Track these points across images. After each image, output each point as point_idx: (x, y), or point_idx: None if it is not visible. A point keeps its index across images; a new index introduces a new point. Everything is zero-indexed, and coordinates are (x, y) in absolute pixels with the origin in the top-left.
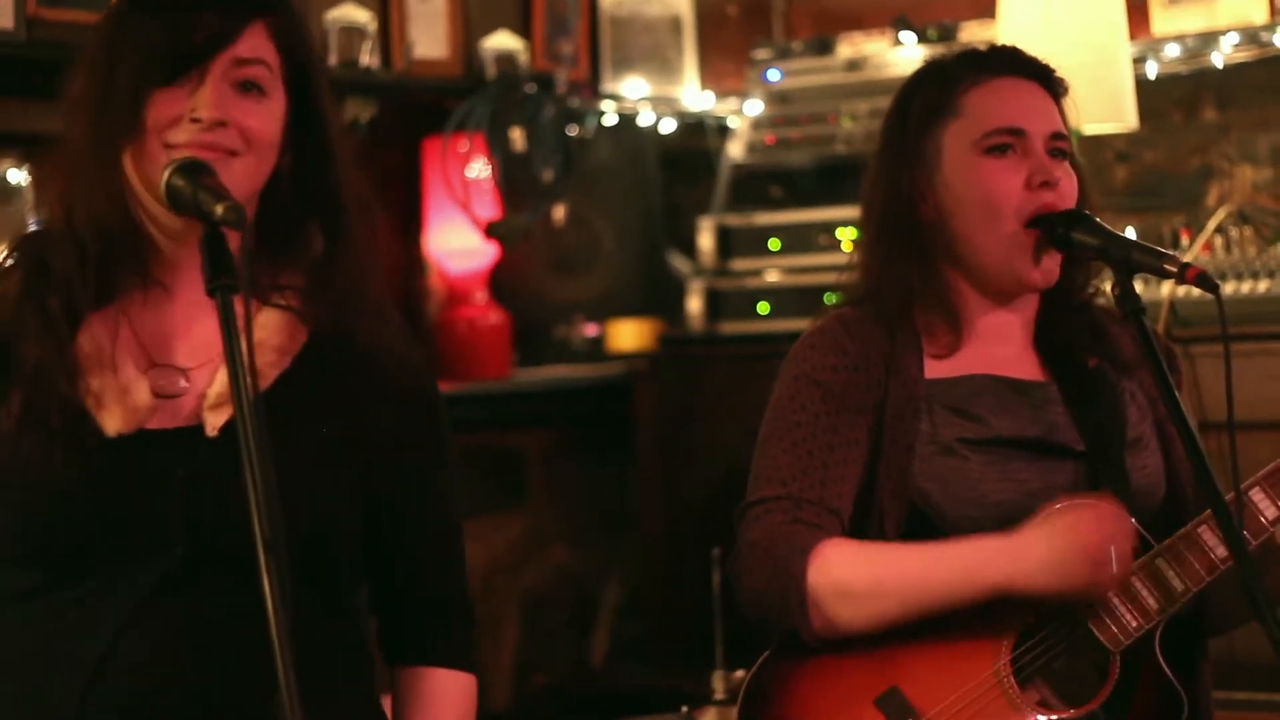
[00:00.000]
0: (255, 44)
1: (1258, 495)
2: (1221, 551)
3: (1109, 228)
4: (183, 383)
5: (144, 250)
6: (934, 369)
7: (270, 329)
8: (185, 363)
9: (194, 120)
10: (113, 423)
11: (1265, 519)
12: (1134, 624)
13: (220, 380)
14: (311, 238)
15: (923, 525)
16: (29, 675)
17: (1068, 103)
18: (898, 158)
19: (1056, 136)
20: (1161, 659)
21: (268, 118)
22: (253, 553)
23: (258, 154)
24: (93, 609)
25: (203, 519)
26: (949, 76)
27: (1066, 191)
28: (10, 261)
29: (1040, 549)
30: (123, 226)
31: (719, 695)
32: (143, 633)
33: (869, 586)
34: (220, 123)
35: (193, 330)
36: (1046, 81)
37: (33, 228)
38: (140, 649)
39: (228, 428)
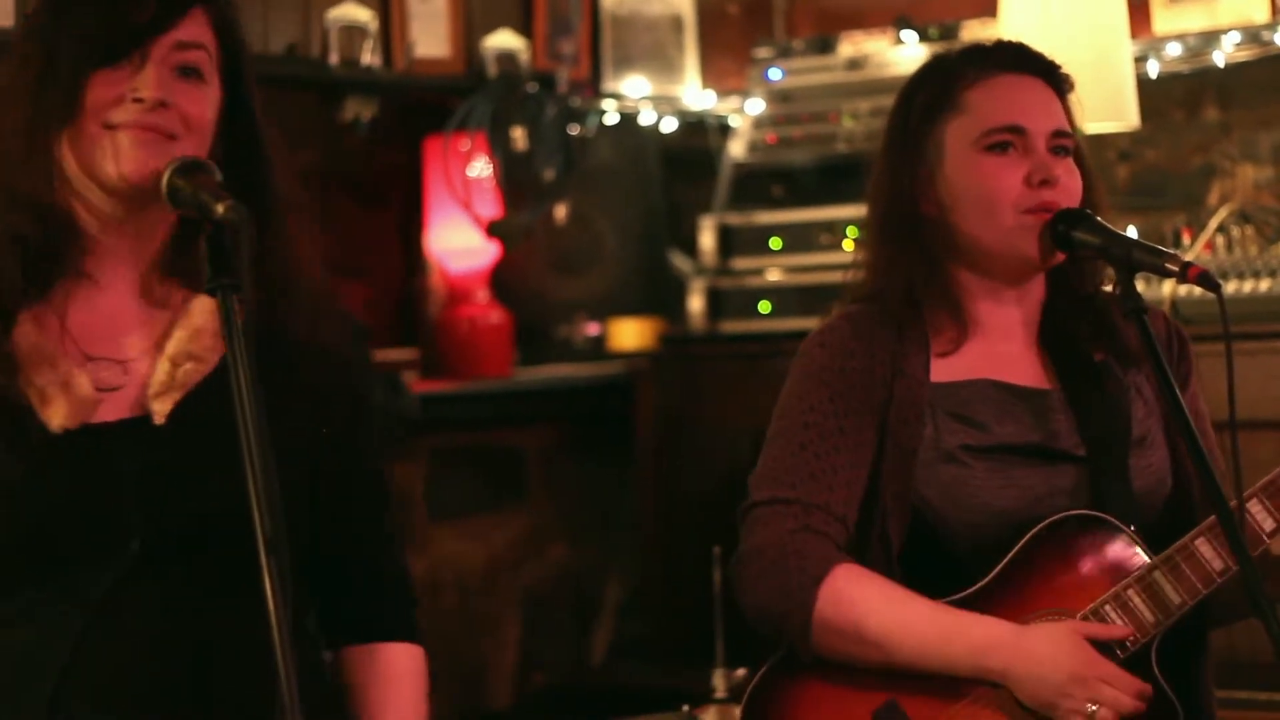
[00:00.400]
0: (196, 29)
1: (1255, 507)
2: (1218, 565)
3: (1110, 226)
4: (122, 375)
5: (77, 240)
6: (939, 370)
7: (208, 315)
8: (122, 355)
9: (136, 100)
10: (57, 418)
11: (1263, 531)
12: (1131, 637)
13: (162, 369)
14: None
15: (925, 532)
16: None
17: (1074, 99)
18: (900, 154)
19: (1059, 134)
20: (1157, 671)
21: (206, 103)
22: (211, 539)
23: (196, 139)
24: (54, 611)
25: (158, 508)
26: (951, 73)
27: (1069, 189)
28: None
29: (1044, 661)
30: (56, 213)
31: (720, 693)
32: (107, 630)
33: (876, 636)
34: (162, 103)
35: (126, 322)
36: (1051, 78)
37: None
38: (106, 647)
39: (175, 415)
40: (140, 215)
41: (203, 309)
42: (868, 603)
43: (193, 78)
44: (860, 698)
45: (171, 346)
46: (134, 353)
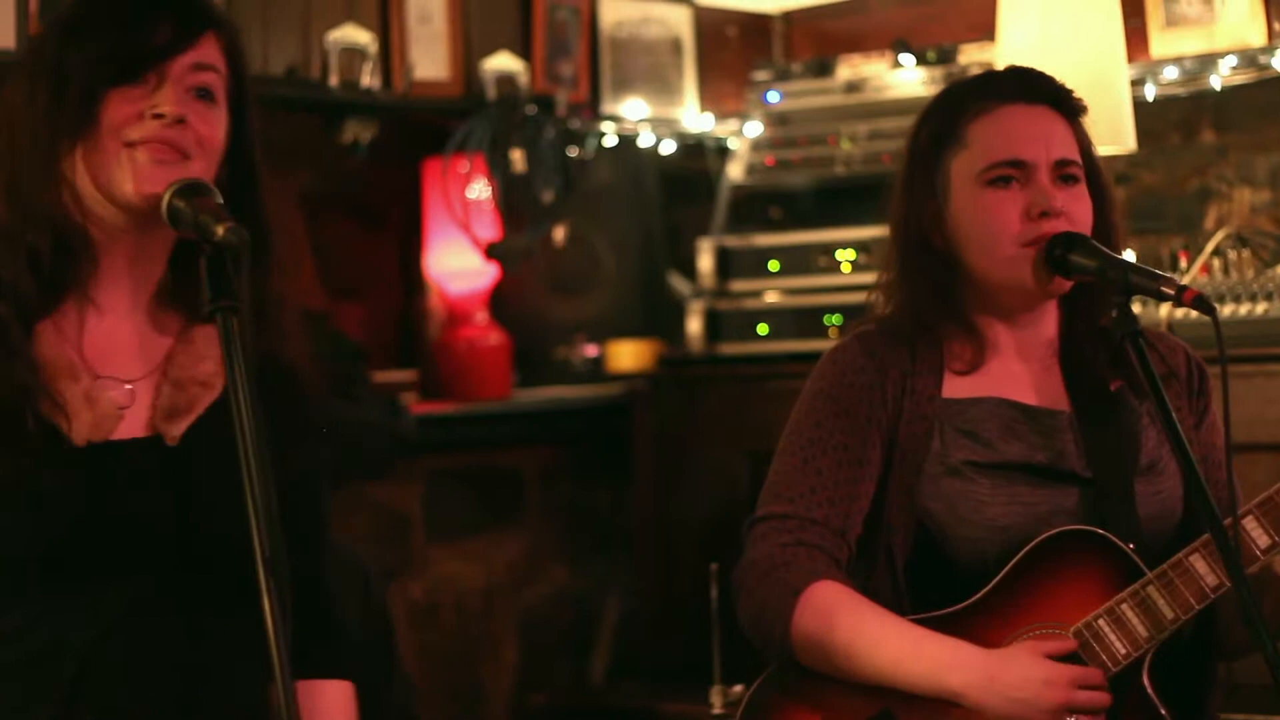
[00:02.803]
0: (210, 52)
1: (1250, 524)
2: (1212, 580)
3: (1107, 250)
4: (129, 396)
5: (88, 255)
6: (953, 387)
7: (210, 341)
8: (127, 375)
9: (156, 116)
10: (81, 431)
11: (1258, 548)
12: (1123, 651)
13: (167, 393)
14: None
15: (929, 545)
16: (5, 691)
17: (1087, 122)
18: (911, 186)
19: (1063, 163)
20: (1149, 685)
21: (218, 125)
22: (221, 560)
23: (207, 160)
24: (67, 621)
25: (173, 527)
26: (956, 106)
27: (1073, 218)
28: None
29: (1013, 681)
30: (69, 229)
31: (717, 711)
32: (117, 644)
33: (842, 650)
34: (181, 120)
35: (129, 344)
36: (1060, 104)
37: None
38: (116, 660)
39: (187, 437)
40: (145, 235)
41: (204, 335)
42: (837, 617)
43: (206, 99)
44: (855, 708)
45: (174, 371)
46: (137, 374)
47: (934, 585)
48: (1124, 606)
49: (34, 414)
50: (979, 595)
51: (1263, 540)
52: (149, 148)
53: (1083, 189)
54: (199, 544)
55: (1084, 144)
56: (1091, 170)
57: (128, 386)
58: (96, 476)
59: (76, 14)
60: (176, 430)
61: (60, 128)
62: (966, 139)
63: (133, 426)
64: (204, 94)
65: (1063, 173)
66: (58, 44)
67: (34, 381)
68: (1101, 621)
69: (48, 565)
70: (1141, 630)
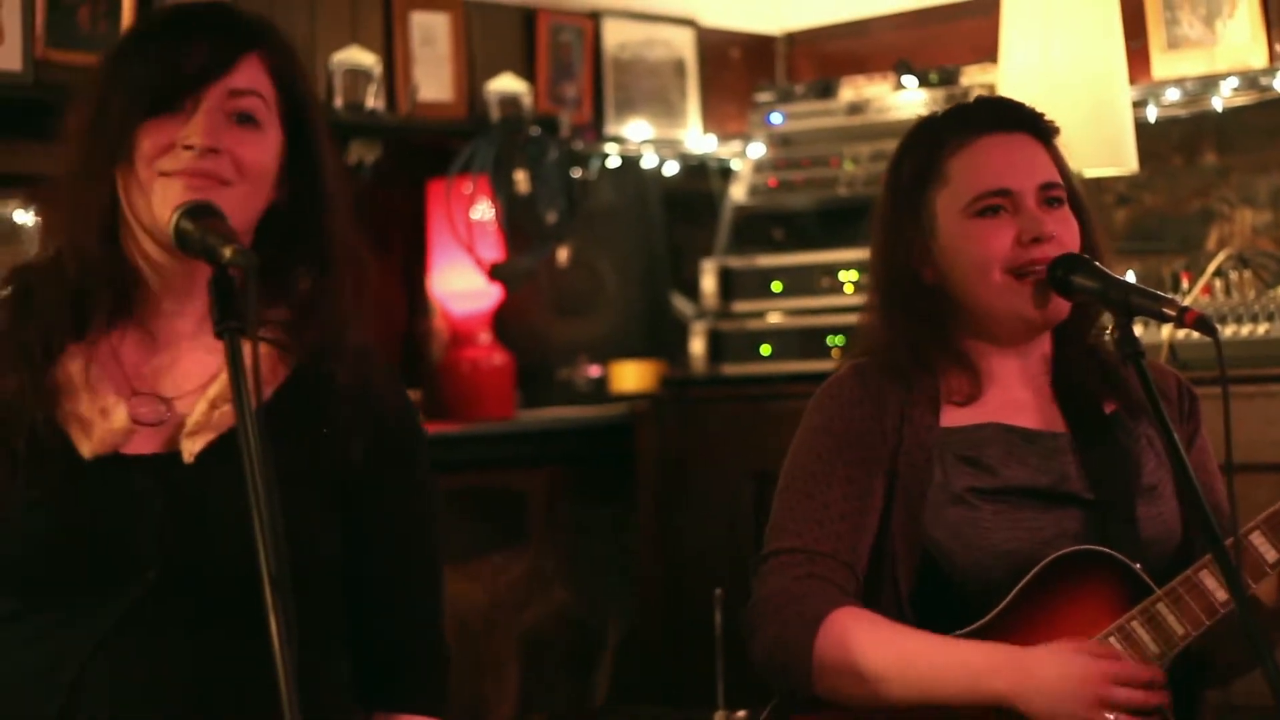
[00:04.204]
0: (250, 76)
1: (1258, 539)
2: (1221, 595)
3: (1108, 271)
4: (165, 412)
5: (128, 282)
6: (950, 416)
7: (263, 362)
8: (168, 393)
9: (187, 148)
10: (88, 445)
11: (1266, 563)
12: None
13: (199, 409)
14: (300, 276)
15: (934, 573)
16: (2, 703)
17: (1061, 143)
18: (895, 224)
19: (1048, 186)
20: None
21: (261, 149)
22: (224, 578)
23: (251, 185)
24: (66, 634)
25: (175, 543)
26: (934, 141)
27: (1062, 241)
28: (4, 294)
29: (1050, 677)
30: (108, 258)
31: None
32: (115, 658)
33: (875, 671)
34: (213, 150)
35: (178, 362)
36: (1035, 129)
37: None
38: (113, 674)
39: (204, 455)
40: (194, 261)
41: (250, 354)
42: (864, 640)
43: (248, 124)
44: None
45: (213, 389)
46: (181, 392)
47: (938, 613)
48: (1134, 624)
49: (33, 433)
50: (990, 616)
51: (1271, 555)
52: (181, 178)
53: (1067, 210)
54: (201, 559)
55: (1062, 165)
56: (1072, 190)
57: (166, 403)
58: (95, 489)
59: (121, 46)
60: (195, 446)
61: (99, 158)
62: (948, 175)
63: (154, 442)
64: (244, 119)
65: (1048, 195)
66: (104, 75)
67: (43, 402)
68: (1113, 640)
69: (48, 577)
70: (1153, 647)
